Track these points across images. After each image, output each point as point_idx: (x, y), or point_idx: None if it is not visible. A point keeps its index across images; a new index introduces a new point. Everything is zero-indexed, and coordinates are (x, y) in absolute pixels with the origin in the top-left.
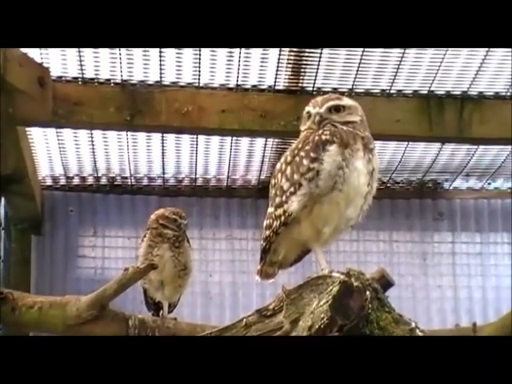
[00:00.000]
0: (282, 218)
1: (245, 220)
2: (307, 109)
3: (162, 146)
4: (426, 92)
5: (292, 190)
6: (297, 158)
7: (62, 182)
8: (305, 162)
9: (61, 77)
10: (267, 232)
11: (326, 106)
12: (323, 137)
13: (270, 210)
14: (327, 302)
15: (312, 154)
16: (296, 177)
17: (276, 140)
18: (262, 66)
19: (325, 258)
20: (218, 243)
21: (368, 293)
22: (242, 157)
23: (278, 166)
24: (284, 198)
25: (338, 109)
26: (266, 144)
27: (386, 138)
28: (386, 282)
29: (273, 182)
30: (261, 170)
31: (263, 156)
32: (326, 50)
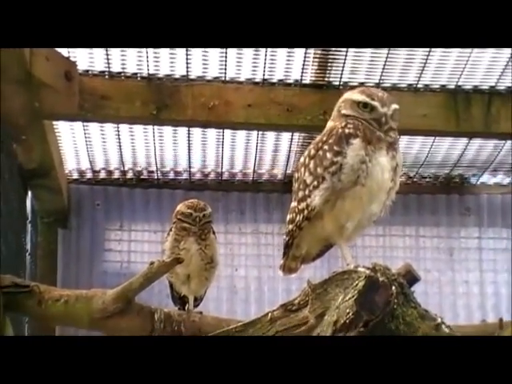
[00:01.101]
0: (305, 213)
1: (271, 214)
2: (364, 99)
3: (188, 140)
4: (453, 87)
5: (315, 183)
6: (320, 152)
7: (89, 175)
8: (328, 155)
9: (87, 71)
10: (290, 226)
11: (393, 108)
12: (347, 130)
13: (293, 204)
14: (353, 296)
15: (335, 148)
16: (319, 170)
17: (302, 134)
18: (288, 61)
19: (350, 252)
20: (244, 237)
21: (394, 288)
22: (267, 151)
23: (302, 159)
24: (307, 192)
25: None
26: (292, 138)
27: (413, 133)
28: (411, 278)
29: (296, 175)
30: (287, 165)
31: (289, 150)
32: None
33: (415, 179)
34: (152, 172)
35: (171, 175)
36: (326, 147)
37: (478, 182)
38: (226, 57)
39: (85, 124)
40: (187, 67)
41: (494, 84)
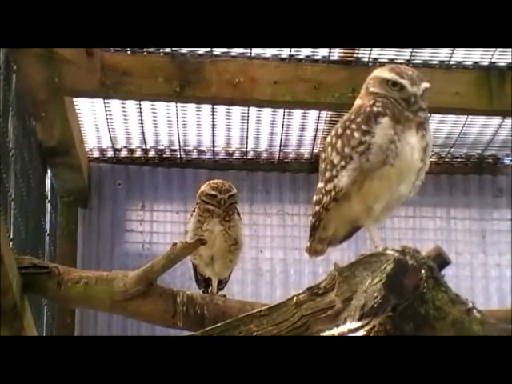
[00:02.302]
0: (332, 194)
1: (297, 195)
2: (394, 77)
3: (213, 118)
4: (486, 64)
5: (342, 163)
6: (348, 131)
7: (110, 154)
8: (356, 134)
9: None
10: (317, 208)
11: (423, 87)
12: (375, 108)
13: (320, 184)
14: (381, 280)
15: (363, 127)
16: (347, 150)
17: (330, 112)
18: None
19: (379, 234)
20: (269, 219)
21: (423, 271)
22: (294, 130)
23: (329, 139)
24: (334, 172)
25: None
26: (319, 117)
27: (444, 112)
28: (442, 261)
29: (323, 155)
30: (314, 144)
31: (316, 129)
32: None
33: (446, 159)
34: (175, 151)
35: (194, 154)
36: (353, 126)
37: None
38: None
39: (106, 101)
40: None
41: None
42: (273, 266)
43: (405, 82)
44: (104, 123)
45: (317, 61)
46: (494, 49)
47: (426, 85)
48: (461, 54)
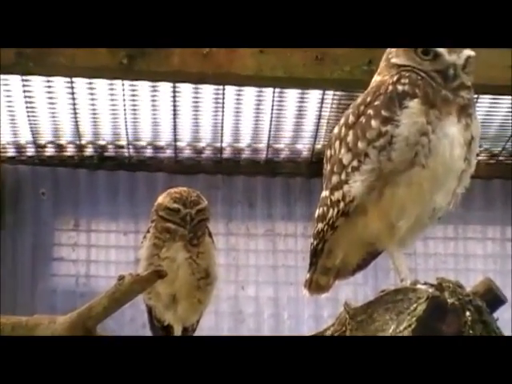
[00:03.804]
0: (341, 206)
1: (292, 208)
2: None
3: (174, 102)
4: None
5: (355, 164)
6: (362, 119)
7: (30, 152)
8: (373, 123)
9: None
10: (320, 225)
11: (465, 55)
12: (400, 87)
13: (325, 193)
14: (409, 326)
15: (384, 113)
16: (361, 145)
17: (337, 93)
18: None
19: (406, 263)
20: (254, 242)
21: (468, 313)
22: (288, 117)
23: (337, 130)
24: (344, 176)
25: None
26: (322, 99)
27: (496, 92)
28: (494, 299)
29: (328, 153)
30: (315, 137)
31: (319, 116)
32: None
33: (500, 158)
34: (121, 147)
35: (149, 152)
36: (370, 112)
37: None
38: None
39: (24, 78)
40: None
41: None
42: (259, 307)
43: (440, 48)
44: (22, 110)
45: None
46: None
47: (468, 52)
48: None
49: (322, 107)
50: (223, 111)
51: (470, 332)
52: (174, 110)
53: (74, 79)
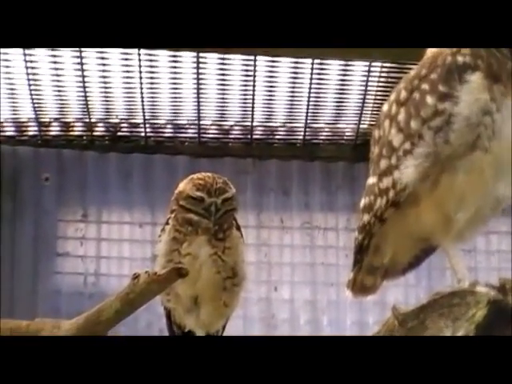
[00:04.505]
0: (391, 195)
1: (333, 197)
2: None
3: (198, 74)
4: None
5: (407, 146)
6: (416, 95)
7: (33, 131)
8: (429, 100)
9: None
10: (366, 217)
11: None
12: (460, 58)
13: (372, 180)
14: (467, 334)
15: (441, 88)
16: (414, 125)
17: (386, 65)
18: None
19: (465, 261)
20: (289, 235)
21: None
22: (329, 93)
23: (386, 107)
24: (394, 160)
25: None
26: (369, 71)
27: None
28: None
29: (376, 134)
30: (360, 116)
31: (365, 92)
32: None
33: None
34: (137, 126)
35: (168, 131)
36: (425, 87)
37: None
38: None
39: (27, 53)
40: None
41: None
42: (294, 312)
43: None
44: (23, 83)
45: None
46: None
47: None
48: None
49: (368, 81)
50: (254, 85)
51: None
52: (198, 84)
53: (82, 48)
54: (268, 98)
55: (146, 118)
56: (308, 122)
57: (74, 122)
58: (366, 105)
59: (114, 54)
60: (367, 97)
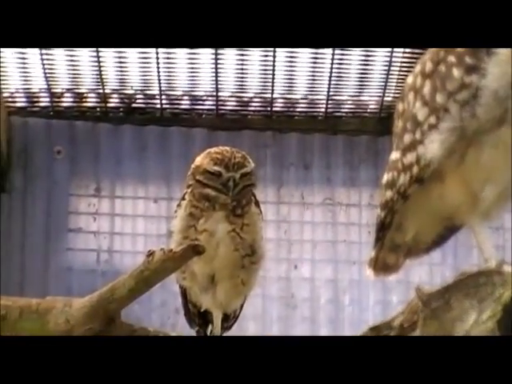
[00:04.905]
0: (415, 171)
1: (356, 172)
2: None
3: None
4: None
5: (432, 121)
6: (442, 67)
7: (44, 102)
8: (455, 72)
9: None
10: (388, 194)
11: None
12: None
13: (395, 155)
14: (494, 315)
15: (468, 60)
16: (440, 98)
17: None
18: None
19: (492, 240)
20: (310, 212)
21: None
22: (351, 63)
23: (410, 79)
24: (419, 135)
25: None
26: None
27: None
28: None
29: (401, 107)
30: (385, 88)
31: (389, 63)
32: None
33: None
34: (152, 97)
35: (185, 103)
36: (451, 58)
37: None
38: None
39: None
40: None
41: None
42: (315, 290)
43: None
44: (35, 52)
45: None
46: None
47: None
48: None
49: (392, 51)
50: (274, 55)
51: None
52: (216, 54)
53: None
54: (289, 68)
55: (162, 88)
56: (330, 94)
57: (87, 92)
58: (390, 76)
59: None
60: (392, 68)
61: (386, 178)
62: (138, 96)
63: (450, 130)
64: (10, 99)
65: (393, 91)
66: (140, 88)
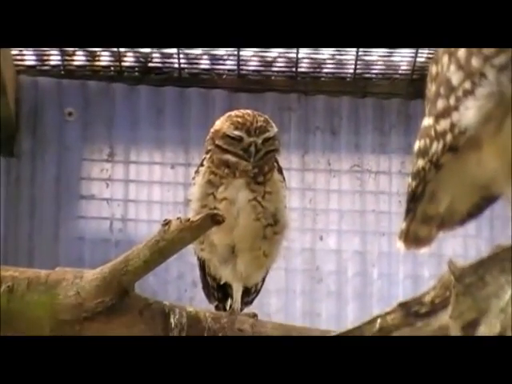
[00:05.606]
0: (448, 138)
1: (386, 138)
2: None
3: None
4: None
5: (468, 86)
6: None
7: (55, 60)
8: None
9: None
10: (420, 162)
11: None
12: None
13: (428, 121)
14: None
15: None
16: (475, 62)
17: None
18: None
19: None
20: (337, 179)
21: None
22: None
23: None
24: (453, 100)
25: None
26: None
27: None
28: None
29: (434, 69)
30: (417, 50)
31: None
32: None
33: None
34: (170, 56)
35: (204, 63)
36: None
37: None
38: None
39: None
40: None
41: None
42: (341, 263)
43: None
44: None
45: None
46: None
47: None
48: None
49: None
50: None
51: None
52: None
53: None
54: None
55: (180, 48)
56: (359, 54)
57: (100, 51)
58: None
59: None
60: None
61: (417, 145)
62: (154, 54)
63: (486, 96)
64: (18, 57)
65: (426, 52)
66: (156, 48)
